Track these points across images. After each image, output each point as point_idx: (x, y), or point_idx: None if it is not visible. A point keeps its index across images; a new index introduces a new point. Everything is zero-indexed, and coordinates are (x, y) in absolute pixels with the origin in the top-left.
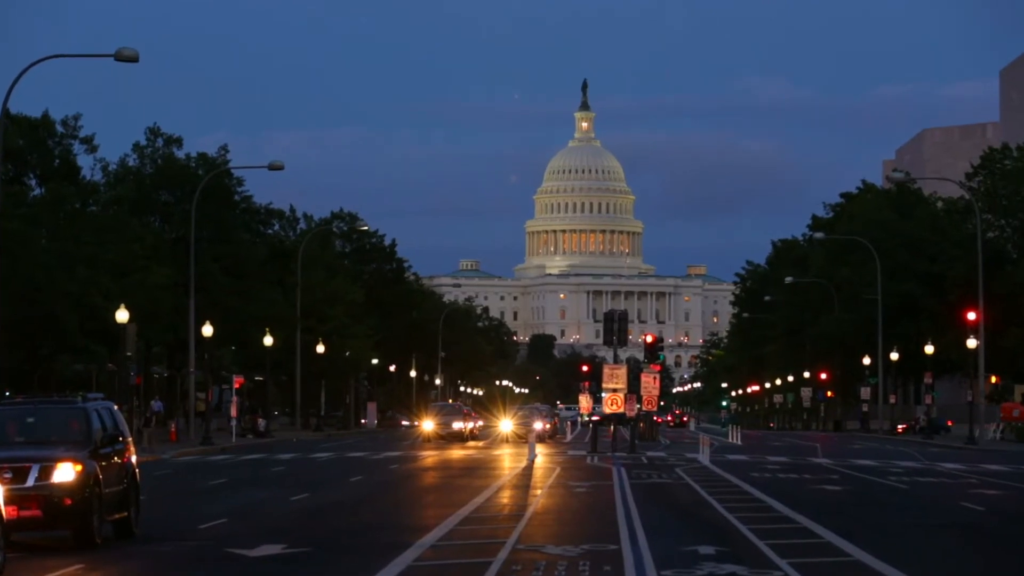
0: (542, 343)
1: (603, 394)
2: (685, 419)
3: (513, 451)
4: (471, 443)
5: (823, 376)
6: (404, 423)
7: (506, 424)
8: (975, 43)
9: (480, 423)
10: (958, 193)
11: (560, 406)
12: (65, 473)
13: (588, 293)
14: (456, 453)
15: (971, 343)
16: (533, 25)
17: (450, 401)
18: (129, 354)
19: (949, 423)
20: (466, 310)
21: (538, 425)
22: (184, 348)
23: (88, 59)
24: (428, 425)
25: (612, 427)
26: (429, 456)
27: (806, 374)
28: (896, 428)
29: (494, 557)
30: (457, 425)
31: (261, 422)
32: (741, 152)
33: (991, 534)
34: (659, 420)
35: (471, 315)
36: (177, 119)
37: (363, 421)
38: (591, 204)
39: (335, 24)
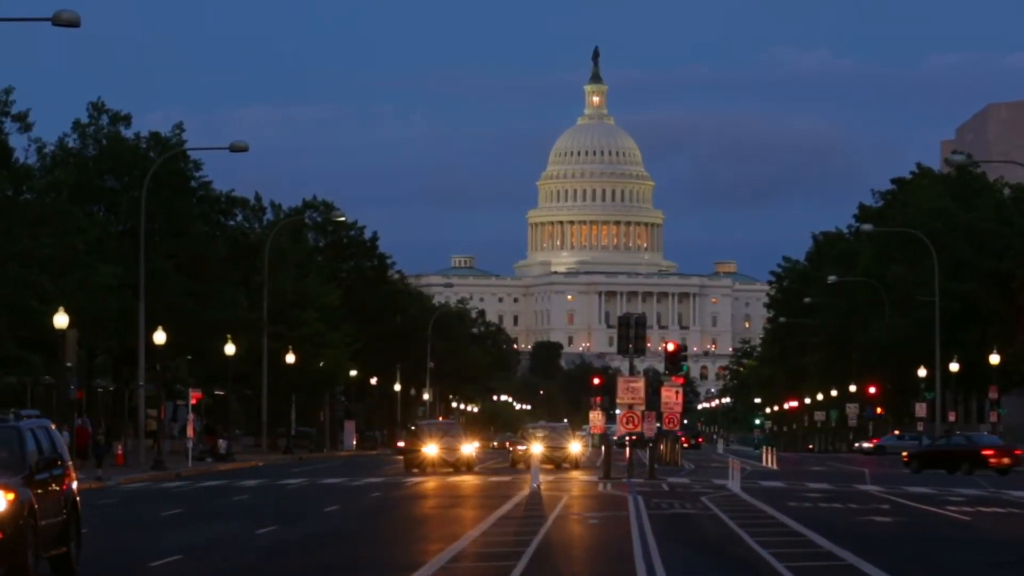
0: (547, 352)
1: (617, 411)
2: (700, 440)
3: (514, 477)
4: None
5: (872, 390)
6: (377, 447)
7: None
8: None
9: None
10: None
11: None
12: None
13: (600, 294)
14: (446, 480)
15: None
16: None
17: (449, 419)
18: (69, 365)
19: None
20: (459, 314)
21: (576, 447)
22: (132, 358)
23: (22, 24)
24: (431, 449)
25: (628, 448)
26: (416, 483)
27: (852, 388)
28: None
29: None
30: (467, 449)
31: (222, 443)
32: (776, 133)
33: None
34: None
35: (465, 319)
36: (124, 93)
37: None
38: (603, 191)
39: None
